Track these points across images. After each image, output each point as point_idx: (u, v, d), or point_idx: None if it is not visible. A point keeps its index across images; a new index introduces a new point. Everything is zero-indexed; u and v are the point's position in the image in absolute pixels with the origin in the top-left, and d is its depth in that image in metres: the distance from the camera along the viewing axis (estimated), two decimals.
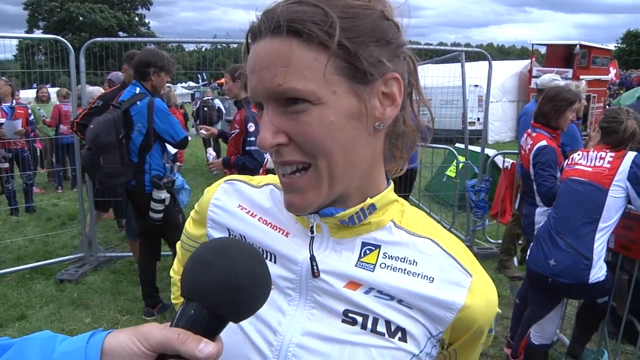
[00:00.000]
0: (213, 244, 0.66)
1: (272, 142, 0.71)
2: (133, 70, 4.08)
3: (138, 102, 3.92)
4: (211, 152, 5.09)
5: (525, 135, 3.88)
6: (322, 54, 0.67)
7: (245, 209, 0.89)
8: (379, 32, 0.71)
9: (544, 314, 3.13)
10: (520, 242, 5.58)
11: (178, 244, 1.13)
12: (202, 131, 4.85)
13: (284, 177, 0.75)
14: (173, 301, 1.19)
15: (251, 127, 4.18)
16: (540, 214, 3.64)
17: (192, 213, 1.02)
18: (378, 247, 0.81)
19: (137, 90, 3.98)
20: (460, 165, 6.54)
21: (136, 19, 60.02)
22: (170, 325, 0.60)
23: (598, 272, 2.88)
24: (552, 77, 5.37)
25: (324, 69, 0.68)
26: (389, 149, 0.82)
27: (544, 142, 3.53)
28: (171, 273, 1.19)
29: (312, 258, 0.80)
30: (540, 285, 3.09)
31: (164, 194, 3.99)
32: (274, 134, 0.71)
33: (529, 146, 3.69)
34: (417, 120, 0.82)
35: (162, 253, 4.63)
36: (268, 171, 4.70)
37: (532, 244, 3.22)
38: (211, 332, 0.60)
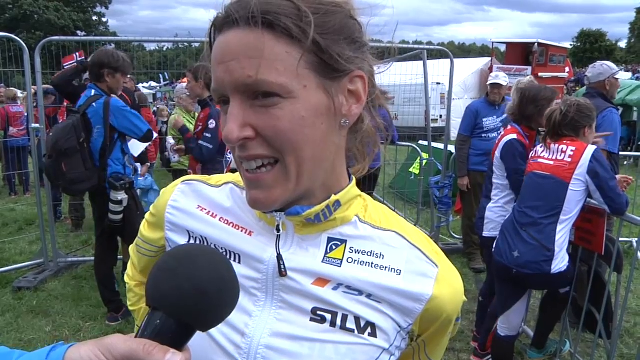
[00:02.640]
0: (177, 250, 0.64)
1: (238, 135, 0.68)
2: (89, 72, 3.99)
3: (94, 104, 3.83)
4: (170, 140, 4.98)
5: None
6: (293, 48, 0.67)
7: (205, 210, 0.87)
8: (346, 30, 0.72)
9: (509, 305, 3.20)
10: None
11: (132, 247, 1.09)
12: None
13: (248, 173, 0.72)
14: (130, 308, 1.15)
15: (212, 124, 4.15)
16: (491, 210, 3.67)
17: (147, 216, 0.99)
18: (344, 242, 0.81)
19: (93, 92, 3.88)
20: (424, 162, 6.62)
21: (94, 18, 58.48)
22: (136, 336, 0.57)
23: (560, 263, 2.97)
24: (497, 74, 5.57)
25: (297, 63, 0.67)
26: (350, 148, 0.82)
27: (513, 136, 3.52)
28: (126, 279, 1.15)
29: (279, 257, 0.78)
30: (505, 276, 3.15)
31: (121, 195, 3.90)
32: (241, 127, 0.68)
33: (499, 138, 3.72)
34: (375, 120, 0.82)
35: (119, 257, 4.52)
36: (232, 171, 4.65)
37: (497, 236, 3.27)
38: (178, 341, 0.58)
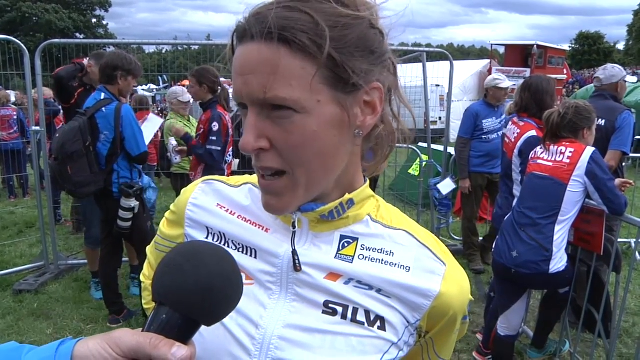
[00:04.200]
0: (184, 247, 0.65)
1: (254, 145, 0.71)
2: (100, 73, 3.99)
3: (104, 109, 3.81)
4: (172, 141, 4.97)
5: (511, 124, 3.91)
6: (309, 63, 0.68)
7: (224, 208, 0.90)
8: (365, 43, 0.72)
9: (509, 305, 3.22)
10: (481, 238, 5.77)
11: (150, 247, 1.12)
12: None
13: (262, 179, 0.76)
14: (145, 306, 1.17)
15: (215, 127, 4.17)
16: None
17: (167, 214, 1.02)
18: (356, 239, 0.83)
19: (102, 96, 3.87)
20: (424, 163, 6.63)
21: (94, 20, 58.52)
22: (142, 330, 0.59)
23: (558, 263, 2.99)
24: (494, 77, 5.56)
25: (311, 79, 0.68)
26: (367, 150, 0.84)
27: (533, 132, 3.56)
28: (141, 278, 1.17)
29: (294, 252, 0.81)
30: (504, 276, 3.18)
31: (133, 202, 3.90)
32: (257, 138, 0.71)
33: (516, 135, 3.71)
34: (397, 121, 0.84)
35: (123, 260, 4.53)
36: (233, 173, 4.67)
37: (497, 236, 3.29)
38: (184, 335, 0.60)
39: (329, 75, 0.69)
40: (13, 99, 9.89)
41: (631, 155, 9.51)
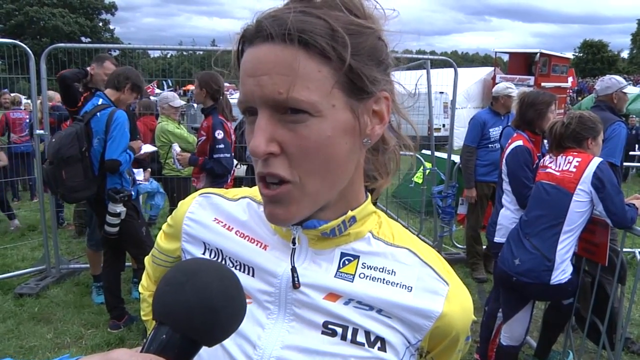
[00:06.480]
0: (185, 264, 0.64)
1: (265, 149, 0.68)
2: (109, 79, 4.02)
3: (98, 114, 3.83)
4: (176, 148, 4.97)
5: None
6: (324, 67, 0.67)
7: (222, 223, 0.88)
8: (375, 52, 0.72)
9: (512, 314, 3.20)
10: (484, 247, 5.73)
11: (148, 258, 1.10)
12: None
13: (266, 188, 0.73)
14: (143, 318, 1.16)
15: (219, 135, 4.15)
16: (503, 216, 3.65)
17: (164, 227, 1.00)
18: (357, 257, 0.82)
19: (100, 101, 3.89)
20: (427, 171, 6.61)
21: (99, 24, 58.86)
22: (141, 351, 0.58)
23: (560, 274, 2.95)
24: (506, 85, 5.52)
25: (328, 83, 0.68)
26: (371, 165, 0.83)
27: (519, 142, 3.57)
28: (140, 289, 1.16)
29: (294, 269, 0.79)
30: (505, 283, 3.17)
31: (120, 208, 3.89)
32: (268, 142, 0.69)
33: (507, 145, 3.75)
34: (398, 134, 0.84)
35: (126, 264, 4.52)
36: (236, 179, 4.66)
37: (504, 245, 3.27)
38: (184, 356, 0.58)
39: (344, 80, 0.69)
40: (27, 101, 9.92)
41: (635, 164, 9.51)
